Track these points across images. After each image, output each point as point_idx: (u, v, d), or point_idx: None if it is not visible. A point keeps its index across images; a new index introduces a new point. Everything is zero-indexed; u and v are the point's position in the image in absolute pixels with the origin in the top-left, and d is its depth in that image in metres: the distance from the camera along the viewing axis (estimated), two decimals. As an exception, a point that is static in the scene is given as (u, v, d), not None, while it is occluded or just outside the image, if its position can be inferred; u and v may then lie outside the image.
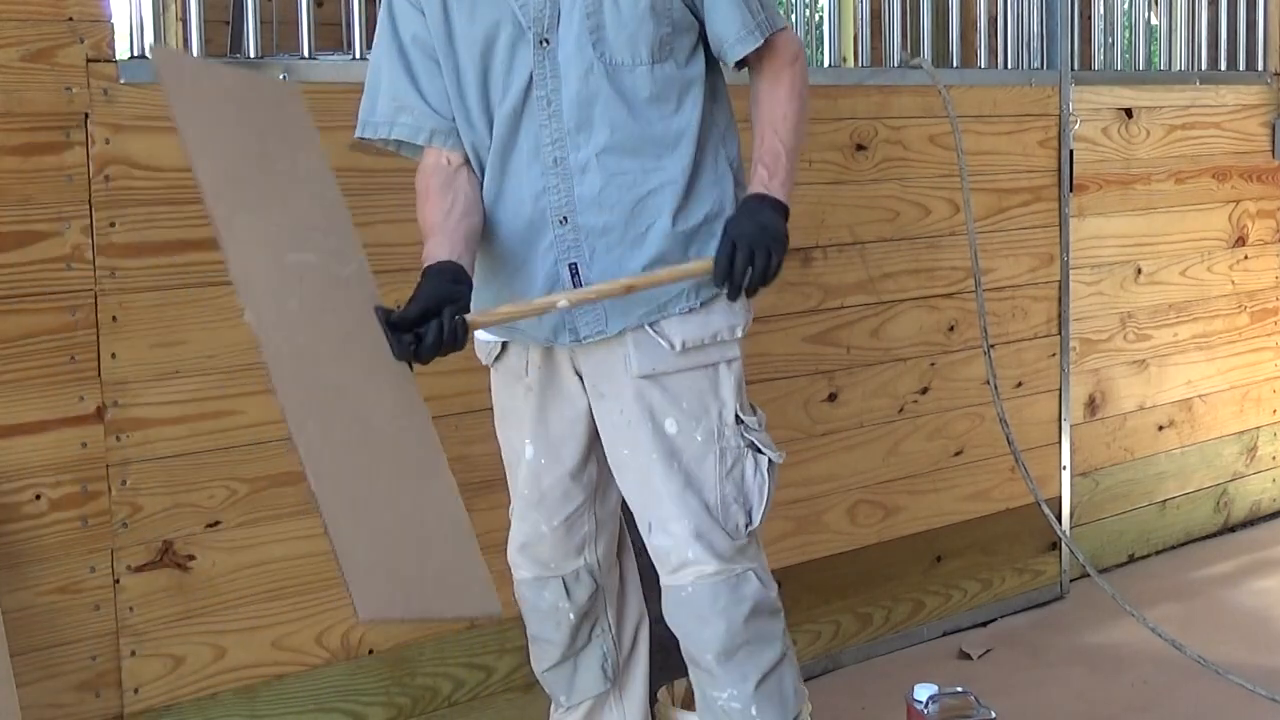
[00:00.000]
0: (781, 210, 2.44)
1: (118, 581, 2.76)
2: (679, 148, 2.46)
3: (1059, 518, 4.24)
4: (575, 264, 2.45)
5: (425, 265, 2.42)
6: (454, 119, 2.51)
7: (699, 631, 2.53)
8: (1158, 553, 4.69)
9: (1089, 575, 4.01)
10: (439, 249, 2.44)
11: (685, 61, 2.48)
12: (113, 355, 2.72)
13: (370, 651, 3.07)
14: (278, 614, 2.95)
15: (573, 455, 2.61)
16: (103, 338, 2.71)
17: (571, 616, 2.68)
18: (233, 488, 2.88)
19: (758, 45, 2.49)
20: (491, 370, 2.67)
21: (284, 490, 2.94)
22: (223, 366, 2.84)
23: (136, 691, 2.78)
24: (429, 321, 2.29)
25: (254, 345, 2.86)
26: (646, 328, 2.47)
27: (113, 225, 2.71)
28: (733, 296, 2.40)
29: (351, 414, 2.15)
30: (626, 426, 2.50)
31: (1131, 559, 4.61)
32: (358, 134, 2.56)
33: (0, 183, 2.60)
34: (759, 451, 2.53)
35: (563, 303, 2.39)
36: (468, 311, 2.36)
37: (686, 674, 2.89)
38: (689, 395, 2.48)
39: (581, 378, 2.55)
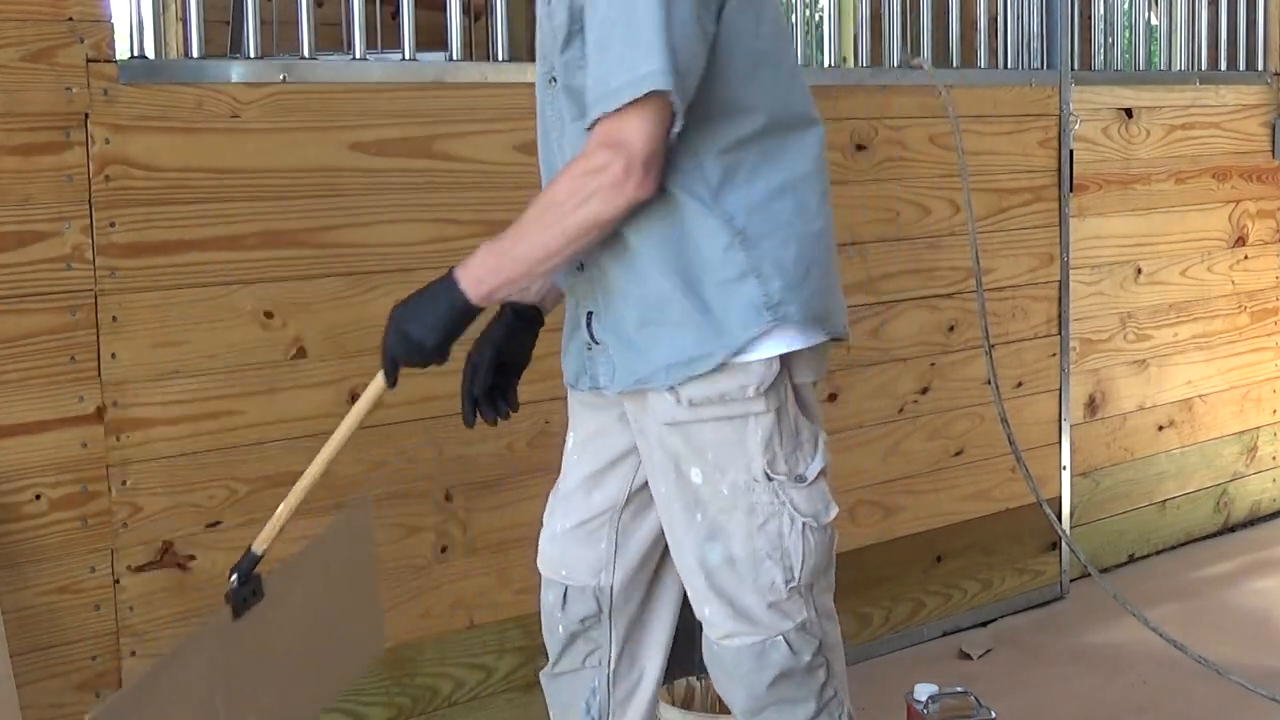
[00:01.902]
0: (445, 297, 2.19)
1: (118, 581, 2.75)
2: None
3: (1059, 518, 4.24)
4: (591, 312, 2.30)
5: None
6: None
7: (724, 689, 2.40)
8: (1158, 553, 4.69)
9: (1089, 575, 4.01)
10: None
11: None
12: (113, 355, 2.72)
13: (370, 651, 3.07)
14: (278, 614, 2.95)
15: (596, 456, 2.46)
16: (103, 338, 2.71)
17: (561, 630, 2.53)
18: (233, 488, 2.88)
19: (590, 123, 2.11)
20: None
21: (284, 490, 2.90)
22: (222, 366, 2.85)
23: (136, 691, 2.78)
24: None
25: (254, 344, 2.88)
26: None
27: (113, 225, 2.70)
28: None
29: None
30: (656, 470, 2.34)
31: (1131, 559, 4.61)
32: None
33: (0, 183, 2.60)
34: (795, 511, 2.29)
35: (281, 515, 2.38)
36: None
37: (685, 675, 2.90)
38: (714, 445, 2.26)
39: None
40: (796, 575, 2.29)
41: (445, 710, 3.18)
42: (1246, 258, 4.88)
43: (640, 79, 2.04)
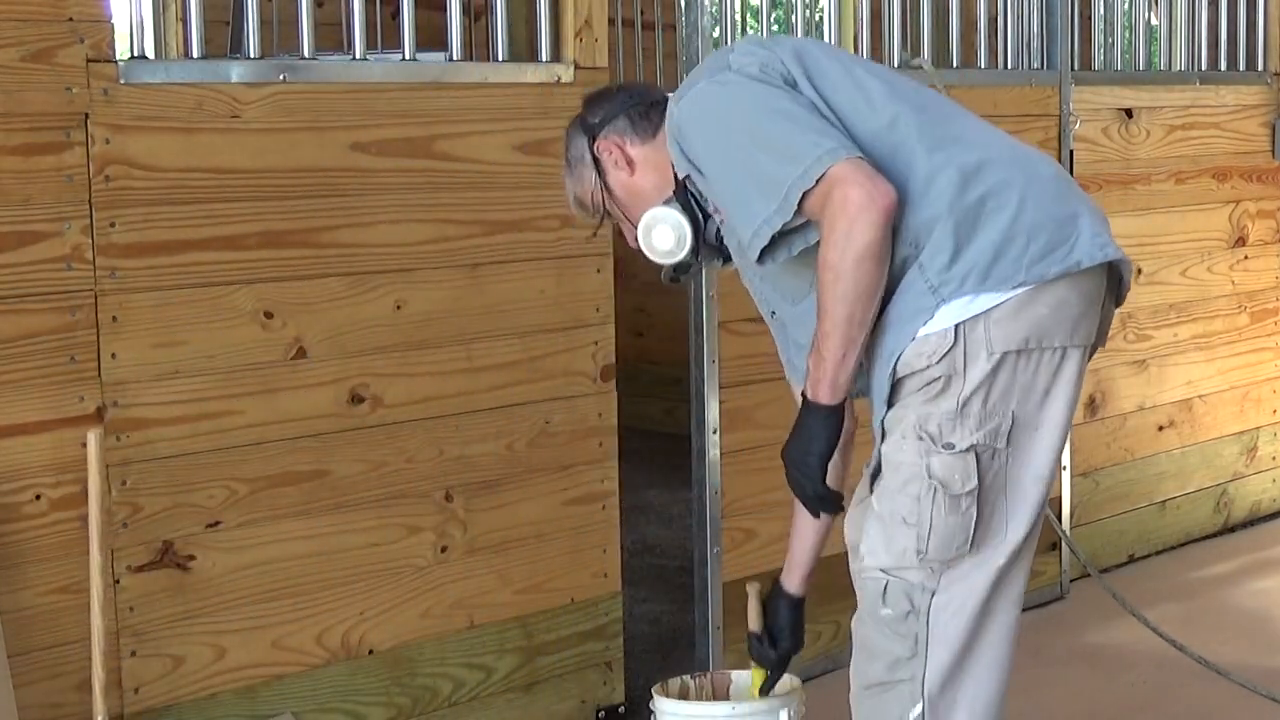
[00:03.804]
0: (806, 418, 2.38)
1: (118, 581, 2.75)
2: None
3: (1059, 518, 4.24)
4: None
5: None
6: None
7: None
8: (1158, 553, 4.69)
9: (1089, 575, 4.01)
10: None
11: None
12: (113, 355, 2.72)
13: (370, 651, 3.07)
14: (278, 614, 2.94)
15: None
16: (103, 338, 2.71)
17: None
18: (233, 488, 2.88)
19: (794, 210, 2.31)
20: None
21: (284, 490, 2.94)
22: (223, 366, 2.84)
23: (136, 691, 2.78)
24: None
25: (254, 344, 2.88)
26: None
27: (113, 225, 2.71)
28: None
29: None
30: None
31: (1131, 559, 4.61)
32: None
33: (0, 183, 2.60)
34: (928, 475, 2.37)
35: None
36: None
37: (681, 674, 2.89)
38: (899, 405, 2.44)
39: None
40: (925, 545, 2.32)
41: (445, 710, 3.18)
42: (1246, 258, 4.88)
43: (822, 155, 2.23)
